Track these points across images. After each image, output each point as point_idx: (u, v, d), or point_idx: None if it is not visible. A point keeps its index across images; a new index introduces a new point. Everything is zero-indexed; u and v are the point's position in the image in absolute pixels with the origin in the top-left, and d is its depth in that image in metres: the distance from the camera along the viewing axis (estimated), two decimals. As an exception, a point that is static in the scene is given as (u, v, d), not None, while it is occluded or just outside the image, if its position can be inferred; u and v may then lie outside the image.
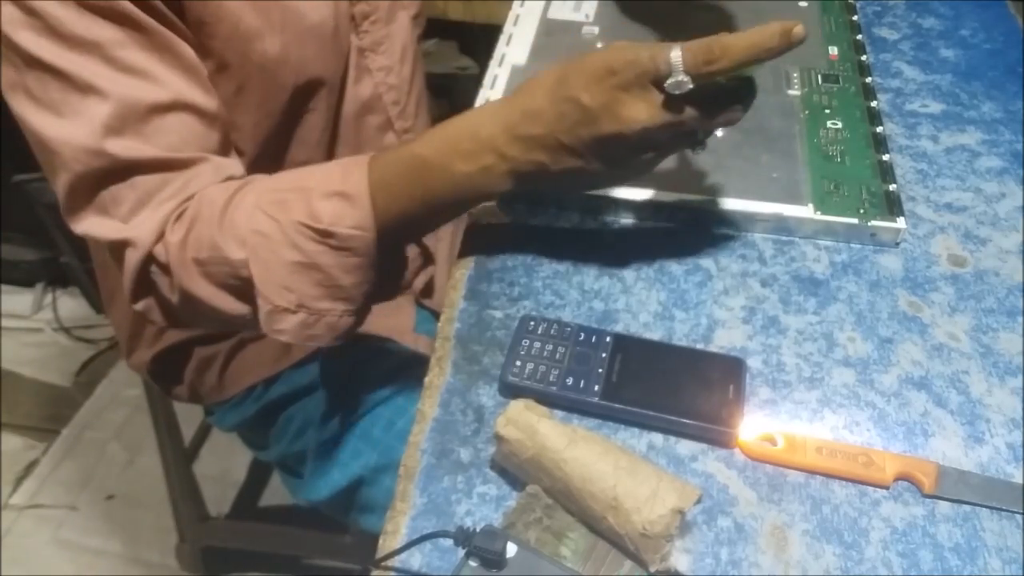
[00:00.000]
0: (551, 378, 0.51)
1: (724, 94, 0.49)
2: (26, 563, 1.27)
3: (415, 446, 0.50)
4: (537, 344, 0.52)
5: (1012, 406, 0.51)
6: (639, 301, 0.57)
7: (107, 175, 0.53)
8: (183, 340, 0.78)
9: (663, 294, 0.57)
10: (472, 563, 0.42)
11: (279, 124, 0.66)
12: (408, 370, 0.76)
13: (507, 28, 0.77)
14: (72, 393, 1.51)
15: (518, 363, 0.51)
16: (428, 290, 0.88)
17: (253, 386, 0.78)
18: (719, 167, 0.63)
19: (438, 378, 0.53)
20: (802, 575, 0.44)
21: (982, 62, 0.77)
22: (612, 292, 0.58)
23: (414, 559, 0.45)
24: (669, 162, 0.63)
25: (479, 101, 0.69)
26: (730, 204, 0.61)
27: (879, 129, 0.66)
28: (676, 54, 0.46)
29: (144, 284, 0.56)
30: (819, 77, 0.72)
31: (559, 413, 0.50)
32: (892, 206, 0.60)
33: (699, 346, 0.54)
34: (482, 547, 0.41)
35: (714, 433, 0.49)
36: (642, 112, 0.47)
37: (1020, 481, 0.47)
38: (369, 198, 0.52)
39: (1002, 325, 0.55)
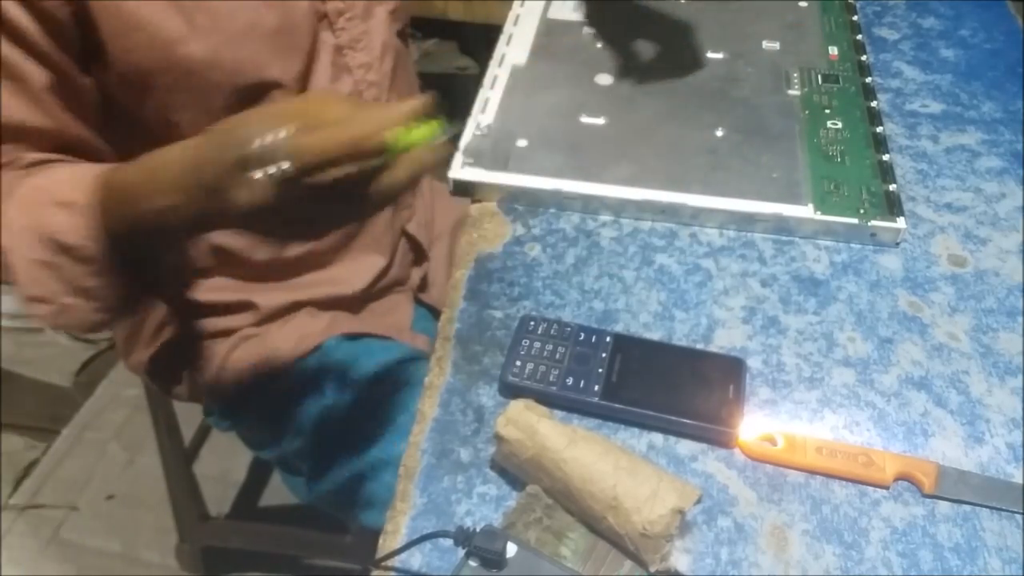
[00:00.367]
0: (551, 378, 0.51)
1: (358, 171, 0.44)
2: (26, 563, 1.26)
3: (415, 446, 0.50)
4: (537, 344, 0.52)
5: (1012, 406, 0.51)
6: (639, 301, 0.57)
7: None
8: (179, 338, 0.78)
9: (663, 294, 0.57)
10: (472, 563, 0.42)
11: None
12: (407, 366, 0.76)
13: (507, 28, 0.77)
14: (72, 393, 1.51)
15: (518, 363, 0.51)
16: (424, 285, 0.88)
17: (253, 385, 0.78)
18: (719, 167, 0.63)
19: (438, 378, 0.53)
20: (802, 575, 0.44)
21: (982, 62, 0.77)
22: (612, 292, 0.58)
23: (414, 559, 0.45)
24: (669, 162, 0.64)
25: (479, 101, 0.69)
26: (730, 204, 0.61)
27: (879, 129, 0.66)
28: (272, 141, 0.43)
29: None
30: (819, 77, 0.72)
31: (559, 413, 0.50)
32: (892, 206, 0.60)
33: (699, 346, 0.54)
34: (482, 547, 0.41)
35: (714, 433, 0.49)
36: (242, 196, 0.44)
37: (1020, 481, 0.47)
38: (94, 209, 0.52)
39: (1002, 325, 0.55)
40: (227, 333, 0.78)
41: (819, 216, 0.60)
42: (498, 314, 0.56)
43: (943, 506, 0.46)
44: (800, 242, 0.61)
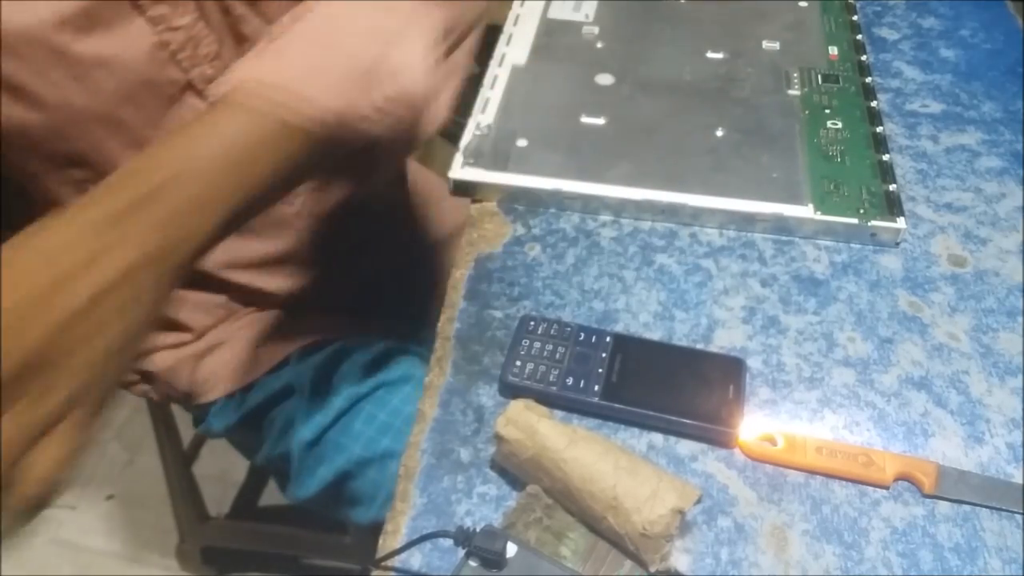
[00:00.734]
0: (551, 378, 0.51)
1: None
2: (26, 563, 1.26)
3: (415, 446, 0.50)
4: (537, 344, 0.52)
5: (1012, 406, 0.51)
6: (639, 301, 0.57)
7: None
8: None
9: (663, 294, 0.57)
10: (472, 563, 0.42)
11: None
12: (384, 362, 0.76)
13: (507, 28, 0.77)
14: (72, 393, 1.50)
15: (518, 363, 0.51)
16: (406, 293, 0.87)
17: (231, 394, 0.77)
18: (719, 167, 0.63)
19: (438, 378, 0.53)
20: (802, 575, 0.44)
21: (982, 62, 0.77)
22: (612, 292, 0.58)
23: (414, 559, 0.45)
24: (669, 162, 0.64)
25: (479, 101, 0.69)
26: (730, 204, 0.61)
27: (879, 129, 0.66)
28: None
29: None
30: (819, 77, 0.72)
31: (559, 413, 0.50)
32: (892, 206, 0.60)
33: (699, 346, 0.54)
34: (482, 547, 0.41)
35: (714, 433, 0.49)
36: None
37: (1020, 481, 0.47)
38: None
39: (1002, 325, 0.55)
40: (192, 340, 0.77)
41: (819, 216, 0.60)
42: (498, 314, 0.56)
43: (943, 506, 0.46)
44: (800, 242, 0.61)
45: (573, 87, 0.71)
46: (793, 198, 0.61)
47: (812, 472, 0.48)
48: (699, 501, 0.44)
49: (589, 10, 0.80)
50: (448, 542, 0.43)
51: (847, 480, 0.47)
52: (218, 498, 1.32)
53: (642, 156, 0.64)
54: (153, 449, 1.18)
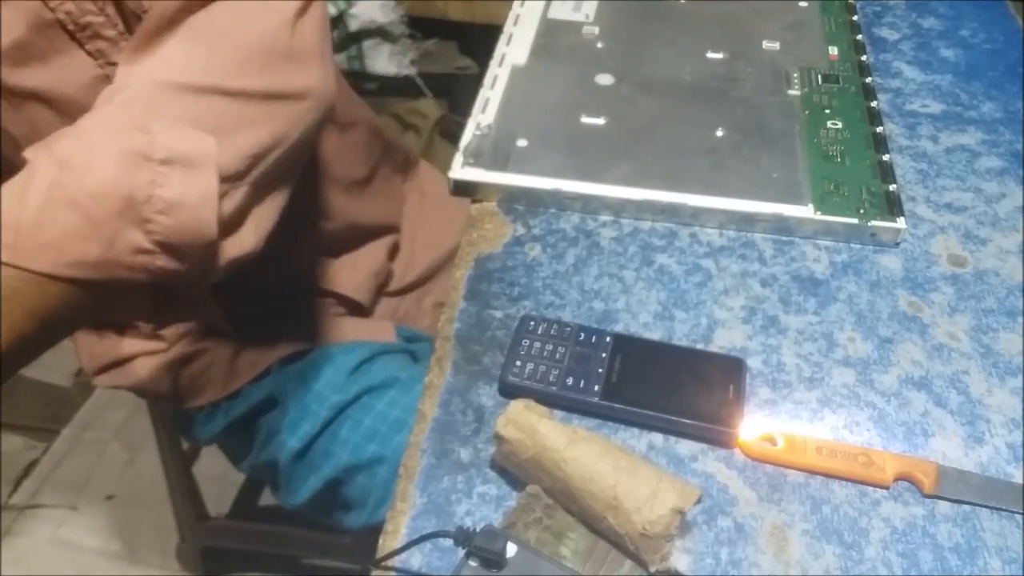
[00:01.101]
0: (551, 378, 0.51)
1: None
2: (26, 563, 1.26)
3: (415, 446, 0.50)
4: (537, 344, 0.52)
5: (1012, 406, 0.51)
6: (639, 301, 0.57)
7: None
8: (122, 357, 0.77)
9: (663, 294, 0.57)
10: (472, 563, 0.42)
11: None
12: (367, 367, 0.76)
13: (507, 28, 0.77)
14: (72, 393, 1.50)
15: (518, 363, 0.51)
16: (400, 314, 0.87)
17: (216, 402, 0.77)
18: (719, 167, 0.64)
19: (438, 378, 0.53)
20: (802, 575, 0.44)
21: (982, 62, 0.77)
22: (612, 292, 0.58)
23: (414, 559, 0.45)
24: (669, 162, 0.64)
25: (479, 101, 0.69)
26: (730, 204, 0.61)
27: (879, 129, 0.66)
28: None
29: None
30: (819, 77, 0.72)
31: (559, 413, 0.50)
32: (892, 206, 0.60)
33: (699, 346, 0.54)
34: (482, 547, 0.41)
35: (714, 433, 0.49)
36: None
37: (1020, 481, 0.47)
38: None
39: (1002, 325, 0.55)
40: (173, 348, 0.77)
41: (819, 216, 0.60)
42: (498, 314, 0.56)
43: (943, 506, 0.46)
44: (800, 242, 0.61)
45: (573, 87, 0.71)
46: (793, 198, 0.61)
47: (812, 472, 0.48)
48: (699, 501, 0.44)
49: (589, 10, 0.80)
50: (448, 542, 0.43)
51: (847, 480, 0.47)
52: (218, 498, 1.32)
53: (642, 156, 0.64)
54: (153, 449, 1.18)
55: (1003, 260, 0.60)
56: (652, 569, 0.42)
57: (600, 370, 0.51)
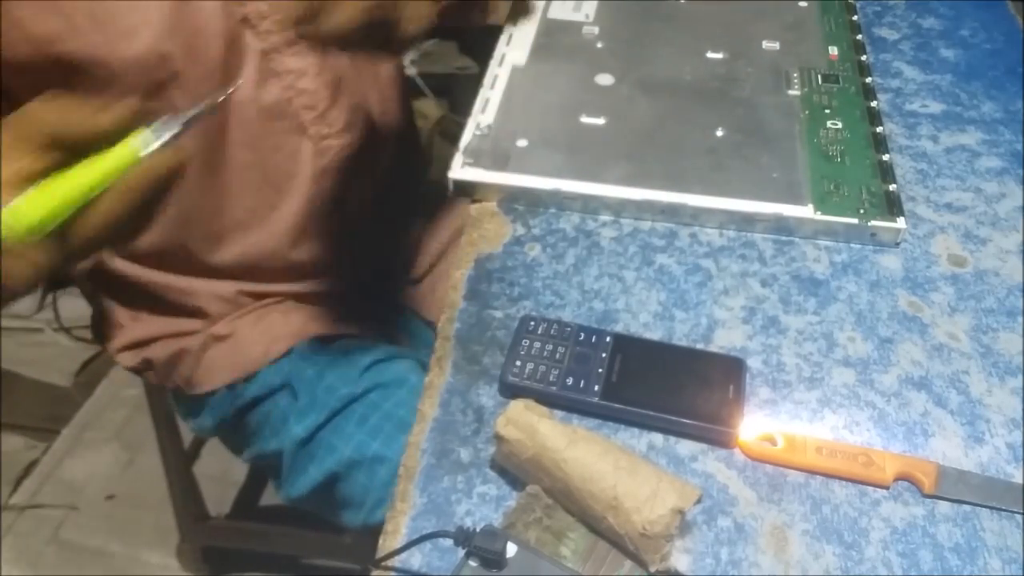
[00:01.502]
0: (551, 378, 0.51)
1: None
2: (26, 563, 1.27)
3: (415, 446, 0.50)
4: (537, 344, 0.52)
5: (1012, 406, 0.51)
6: (639, 301, 0.57)
7: None
8: (146, 338, 0.78)
9: (663, 294, 0.57)
10: (472, 563, 0.42)
11: None
12: (381, 366, 0.76)
13: (507, 28, 0.77)
14: (72, 393, 1.51)
15: (518, 363, 0.51)
16: (406, 290, 0.88)
17: (231, 385, 0.78)
18: (719, 167, 0.63)
19: (438, 378, 0.53)
20: (802, 575, 0.44)
21: (982, 62, 0.77)
22: (612, 292, 0.58)
23: (414, 559, 0.45)
24: (669, 162, 0.64)
25: (479, 101, 0.69)
26: (730, 204, 0.61)
27: (879, 129, 0.66)
28: None
29: None
30: (819, 77, 0.72)
31: (559, 413, 0.50)
32: (892, 206, 0.60)
33: (699, 346, 0.54)
34: (482, 547, 0.41)
35: (714, 433, 0.49)
36: None
37: (1020, 481, 0.47)
38: None
39: (1002, 325, 0.55)
40: (195, 330, 0.78)
41: (819, 216, 0.60)
42: (498, 314, 0.56)
43: (943, 506, 0.46)
44: (800, 242, 0.61)
45: (573, 87, 0.71)
46: (793, 198, 0.61)
47: (812, 472, 0.48)
48: (699, 501, 0.44)
49: (589, 10, 0.80)
50: (448, 542, 0.43)
51: (847, 480, 0.47)
52: (218, 498, 1.32)
53: (642, 156, 0.64)
54: (153, 449, 1.18)
55: (1003, 260, 0.60)
56: (652, 569, 0.42)
57: (600, 370, 0.51)
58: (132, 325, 0.80)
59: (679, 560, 0.44)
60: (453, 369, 0.53)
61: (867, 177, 0.63)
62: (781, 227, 0.61)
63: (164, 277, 0.76)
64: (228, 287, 0.77)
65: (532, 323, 0.53)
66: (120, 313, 0.80)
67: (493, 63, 0.73)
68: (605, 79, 0.72)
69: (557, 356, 0.52)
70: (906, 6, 0.84)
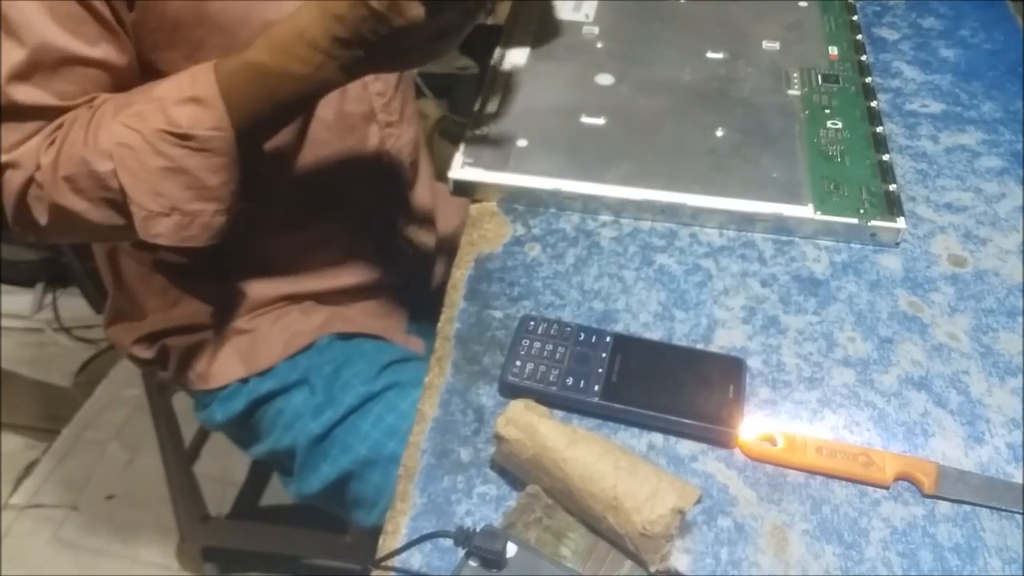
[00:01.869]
0: (551, 378, 0.51)
1: None
2: (26, 563, 1.26)
3: (415, 446, 0.50)
4: (537, 344, 0.52)
5: (1012, 406, 0.51)
6: (639, 301, 0.57)
7: (3, 113, 0.57)
8: (171, 327, 0.79)
9: (663, 294, 0.57)
10: (472, 563, 0.42)
11: None
12: (398, 367, 0.76)
13: (507, 28, 0.77)
14: (72, 393, 1.51)
15: (518, 363, 0.51)
16: (421, 288, 0.88)
17: (245, 379, 0.78)
18: (719, 167, 0.63)
19: (438, 378, 0.53)
20: (802, 575, 0.44)
21: (982, 62, 0.77)
22: (612, 292, 0.58)
23: (414, 559, 0.45)
24: (669, 161, 0.64)
25: (479, 101, 0.69)
26: (730, 204, 0.61)
27: (879, 129, 0.66)
28: None
29: (24, 205, 0.60)
30: (819, 77, 0.72)
31: (559, 413, 0.50)
32: (892, 206, 0.60)
33: (699, 346, 0.54)
34: (482, 547, 0.41)
35: (714, 433, 0.49)
36: (418, 8, 0.52)
37: (1020, 481, 0.47)
38: (221, 100, 0.56)
39: (1002, 325, 0.55)
40: (217, 324, 0.78)
41: (819, 216, 0.60)
42: (498, 314, 0.56)
43: (943, 506, 0.46)
44: (800, 242, 0.61)
45: (573, 87, 0.71)
46: (793, 198, 0.61)
47: (812, 472, 0.48)
48: (699, 501, 0.44)
49: (589, 10, 0.80)
50: (448, 542, 0.43)
51: (847, 480, 0.47)
52: (218, 498, 1.32)
53: (642, 156, 0.64)
54: (153, 449, 1.18)
55: (1003, 260, 0.60)
56: (652, 569, 0.42)
57: (600, 370, 0.51)
58: (155, 316, 0.80)
59: (679, 560, 0.44)
60: (453, 369, 0.53)
61: (867, 177, 0.63)
62: (781, 227, 0.61)
63: (200, 269, 0.77)
64: (261, 284, 0.78)
65: (532, 323, 0.53)
66: (146, 303, 0.80)
67: (493, 63, 0.73)
68: (605, 79, 0.72)
69: (557, 356, 0.52)
70: (906, 6, 0.84)
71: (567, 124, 0.67)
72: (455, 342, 0.55)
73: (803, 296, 0.57)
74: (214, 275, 0.77)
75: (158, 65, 0.63)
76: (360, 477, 0.74)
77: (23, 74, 0.56)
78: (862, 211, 0.60)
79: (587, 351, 0.52)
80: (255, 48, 0.57)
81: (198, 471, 1.21)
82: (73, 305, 1.62)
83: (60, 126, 0.58)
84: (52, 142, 0.58)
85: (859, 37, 0.76)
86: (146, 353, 0.81)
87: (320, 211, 0.76)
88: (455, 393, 0.52)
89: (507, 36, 0.77)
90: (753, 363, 0.53)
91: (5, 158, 0.58)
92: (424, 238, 0.87)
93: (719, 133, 0.66)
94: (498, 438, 0.46)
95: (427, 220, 0.88)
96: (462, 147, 0.65)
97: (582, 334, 0.53)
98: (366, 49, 0.55)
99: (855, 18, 0.79)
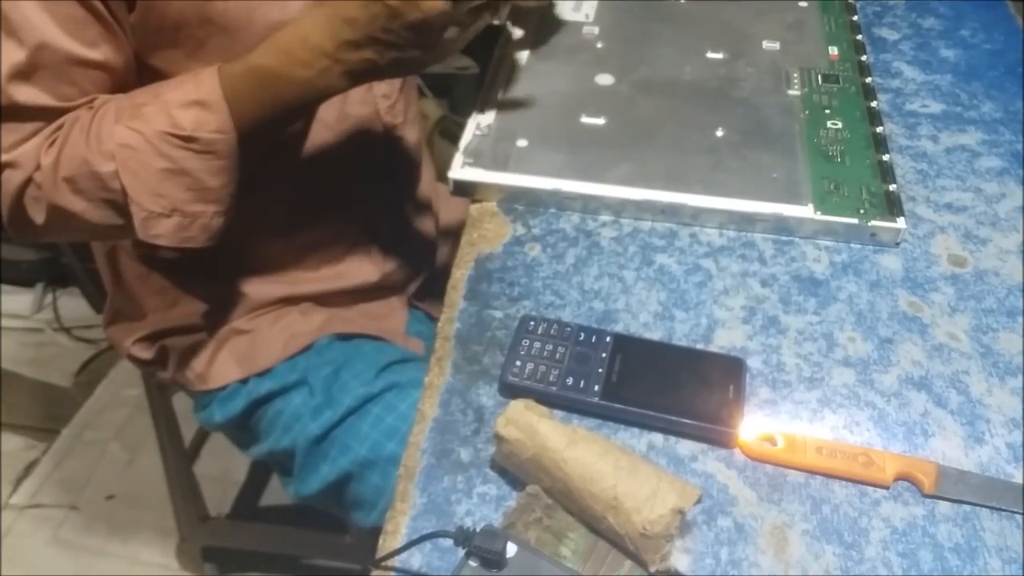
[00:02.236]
0: (551, 378, 0.51)
1: None
2: (26, 563, 1.26)
3: (415, 446, 0.50)
4: (537, 344, 0.52)
5: (1012, 406, 0.51)
6: (639, 301, 0.57)
7: (2, 113, 0.57)
8: (171, 326, 0.79)
9: (663, 294, 0.57)
10: (472, 563, 0.42)
11: None
12: (398, 368, 0.76)
13: (507, 28, 0.77)
14: (72, 393, 1.51)
15: (518, 363, 0.51)
16: (421, 294, 0.88)
17: (244, 380, 0.78)
18: (719, 167, 0.63)
19: (438, 378, 0.53)
20: (802, 575, 0.44)
21: (982, 62, 0.77)
22: (612, 292, 0.58)
23: (414, 559, 0.45)
24: (669, 162, 0.64)
25: (479, 101, 0.69)
26: (730, 204, 0.61)
27: (879, 129, 0.66)
28: None
29: (21, 205, 0.60)
30: (819, 77, 0.72)
31: (559, 413, 0.50)
32: (892, 206, 0.60)
33: (699, 346, 0.54)
34: (482, 547, 0.41)
35: (714, 433, 0.49)
36: (437, 1, 0.53)
37: (1020, 481, 0.47)
38: (225, 104, 0.57)
39: (1002, 325, 0.55)
40: (216, 325, 0.78)
41: (819, 216, 0.60)
42: (498, 314, 0.56)
43: (943, 506, 0.46)
44: (800, 242, 0.61)
45: (573, 87, 0.71)
46: (793, 198, 0.61)
47: (812, 472, 0.48)
48: (699, 501, 0.44)
49: (589, 10, 0.80)
50: (448, 542, 0.43)
51: (847, 480, 0.47)
52: (218, 498, 1.32)
53: (642, 156, 0.64)
54: (153, 449, 1.18)
55: (1003, 260, 0.60)
56: (652, 569, 0.42)
57: (600, 370, 0.51)
58: (154, 316, 0.80)
59: (679, 560, 0.44)
60: (453, 369, 0.53)
61: (867, 177, 0.63)
62: (781, 227, 0.61)
63: (200, 269, 0.77)
64: (261, 285, 0.78)
65: (532, 323, 0.53)
66: (146, 303, 0.80)
67: (493, 63, 0.73)
68: (605, 79, 0.72)
69: (557, 356, 0.52)
70: (906, 6, 0.84)
71: (567, 124, 0.67)
72: (455, 342, 0.55)
73: (803, 296, 0.57)
74: (214, 276, 0.77)
75: (158, 66, 0.63)
76: (359, 478, 0.74)
77: (24, 74, 0.56)
78: (862, 211, 0.60)
79: (587, 351, 0.52)
80: (260, 52, 0.57)
81: (198, 471, 1.21)
82: (73, 305, 1.62)
83: (60, 127, 0.58)
84: (52, 143, 0.58)
85: (859, 37, 0.76)
86: (145, 353, 0.81)
87: (321, 213, 0.76)
88: (455, 393, 0.52)
89: (507, 36, 0.77)
90: (753, 363, 0.53)
91: (4, 158, 0.58)
92: (427, 238, 0.87)
93: (719, 133, 0.66)
94: (498, 438, 0.46)
95: (429, 220, 0.88)
96: (462, 147, 0.65)
97: (582, 334, 0.53)
98: (376, 50, 0.55)
99: (855, 18, 0.79)
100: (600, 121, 0.68)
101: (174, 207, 0.58)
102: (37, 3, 0.55)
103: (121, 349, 0.83)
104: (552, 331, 0.53)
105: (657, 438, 0.50)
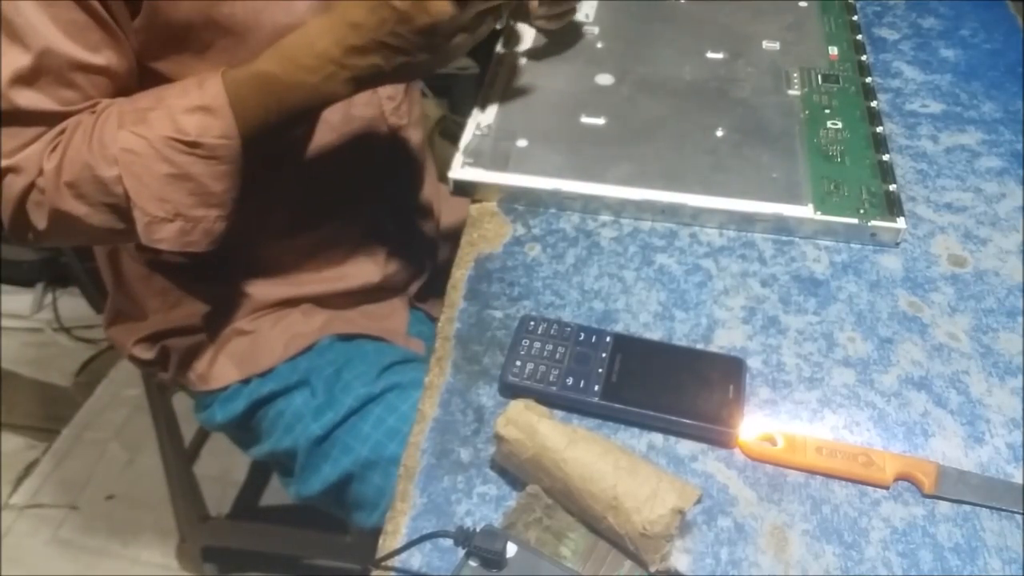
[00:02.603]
0: (551, 378, 0.51)
1: None
2: (26, 563, 1.26)
3: (415, 446, 0.50)
4: (537, 344, 0.52)
5: (1012, 406, 0.51)
6: (639, 301, 0.57)
7: (3, 117, 0.57)
8: (173, 326, 0.79)
9: (663, 294, 0.57)
10: (472, 563, 0.42)
11: None
12: (400, 368, 0.76)
13: (507, 28, 0.77)
14: (72, 393, 1.51)
15: (518, 363, 0.51)
16: (422, 295, 0.88)
17: (245, 380, 0.78)
18: (719, 167, 0.64)
19: (438, 378, 0.53)
20: (802, 575, 0.44)
21: (982, 62, 0.77)
22: (612, 292, 0.58)
23: (414, 559, 0.45)
24: (669, 162, 0.64)
25: (479, 101, 0.69)
26: (730, 204, 0.61)
27: (879, 129, 0.66)
28: None
29: (23, 210, 0.60)
30: (819, 77, 0.72)
31: (559, 413, 0.50)
32: (892, 206, 0.60)
33: (699, 346, 0.54)
34: (482, 547, 0.41)
35: (714, 433, 0.49)
36: (444, 4, 0.53)
37: (1020, 481, 0.47)
38: (230, 109, 0.57)
39: (1002, 325, 0.55)
40: (218, 326, 0.78)
41: (819, 216, 0.60)
42: (498, 314, 0.56)
43: (943, 506, 0.46)
44: (800, 242, 0.61)
45: (573, 87, 0.71)
46: (793, 198, 0.61)
47: (812, 472, 0.48)
48: (699, 501, 0.44)
49: (589, 10, 0.80)
50: (448, 542, 0.43)
51: (847, 480, 0.47)
52: (218, 498, 1.32)
53: (642, 156, 0.64)
54: (153, 449, 1.18)
55: (1003, 260, 0.60)
56: (652, 569, 0.42)
57: (600, 370, 0.51)
58: (156, 317, 0.80)
59: (679, 560, 0.44)
60: (453, 369, 0.53)
61: (867, 177, 0.63)
62: (781, 227, 0.61)
63: (202, 270, 0.77)
64: (263, 286, 0.78)
65: (532, 323, 0.53)
66: (147, 303, 0.80)
67: (493, 63, 0.73)
68: (605, 79, 0.72)
69: (557, 356, 0.52)
70: (906, 6, 0.84)
71: (567, 124, 0.67)
72: (455, 342, 0.55)
73: (803, 296, 0.57)
74: (215, 277, 0.77)
75: (161, 69, 0.63)
76: (361, 479, 0.74)
77: (26, 79, 0.56)
78: (862, 211, 0.60)
79: (587, 351, 0.52)
80: (265, 58, 0.57)
81: (198, 471, 1.21)
82: (73, 305, 1.62)
83: (62, 131, 0.58)
84: (55, 148, 0.58)
85: (859, 37, 0.76)
86: (146, 354, 0.81)
87: (325, 215, 0.76)
88: (455, 393, 0.52)
89: (507, 36, 0.77)
90: (753, 363, 0.53)
91: (5, 163, 0.58)
92: (428, 239, 0.87)
93: (719, 133, 0.66)
94: (498, 438, 0.46)
95: (431, 221, 0.88)
96: (462, 147, 0.65)
97: (582, 334, 0.53)
98: (383, 55, 0.55)
99: (855, 18, 0.79)
100: (600, 121, 0.68)
101: (177, 212, 0.58)
102: (39, 7, 0.55)
103: (122, 350, 0.83)
104: (552, 331, 0.53)
105: (657, 438, 0.50)
